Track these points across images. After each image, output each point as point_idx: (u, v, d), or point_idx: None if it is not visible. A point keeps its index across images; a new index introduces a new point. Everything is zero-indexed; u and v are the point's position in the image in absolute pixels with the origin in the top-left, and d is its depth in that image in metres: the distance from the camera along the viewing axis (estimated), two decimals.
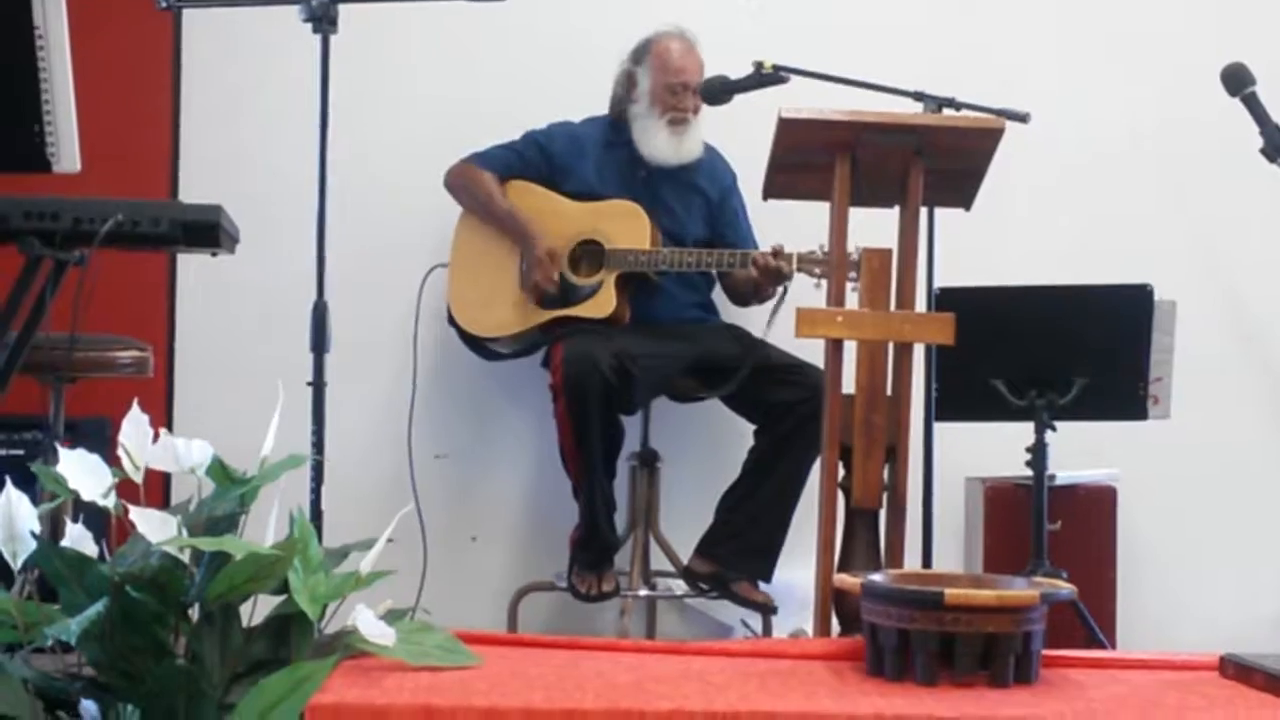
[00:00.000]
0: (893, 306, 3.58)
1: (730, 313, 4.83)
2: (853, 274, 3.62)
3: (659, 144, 4.65)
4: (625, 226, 4.58)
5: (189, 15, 4.89)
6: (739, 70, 4.19)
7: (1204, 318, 4.93)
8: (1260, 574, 5.07)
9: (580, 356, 4.33)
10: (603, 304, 4.54)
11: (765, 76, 4.14)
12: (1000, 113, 3.87)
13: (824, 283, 3.83)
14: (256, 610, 2.69)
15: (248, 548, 2.56)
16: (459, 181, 4.73)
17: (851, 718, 2.49)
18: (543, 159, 4.73)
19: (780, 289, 4.40)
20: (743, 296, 4.73)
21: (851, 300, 3.60)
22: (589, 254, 4.60)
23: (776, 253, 4.36)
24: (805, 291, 4.13)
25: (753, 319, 4.62)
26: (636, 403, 4.54)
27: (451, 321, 4.71)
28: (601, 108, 4.78)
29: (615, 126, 4.75)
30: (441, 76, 5.03)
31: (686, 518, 4.69)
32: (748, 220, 4.79)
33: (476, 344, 4.71)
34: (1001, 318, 4.13)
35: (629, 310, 4.58)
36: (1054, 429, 4.12)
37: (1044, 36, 5.20)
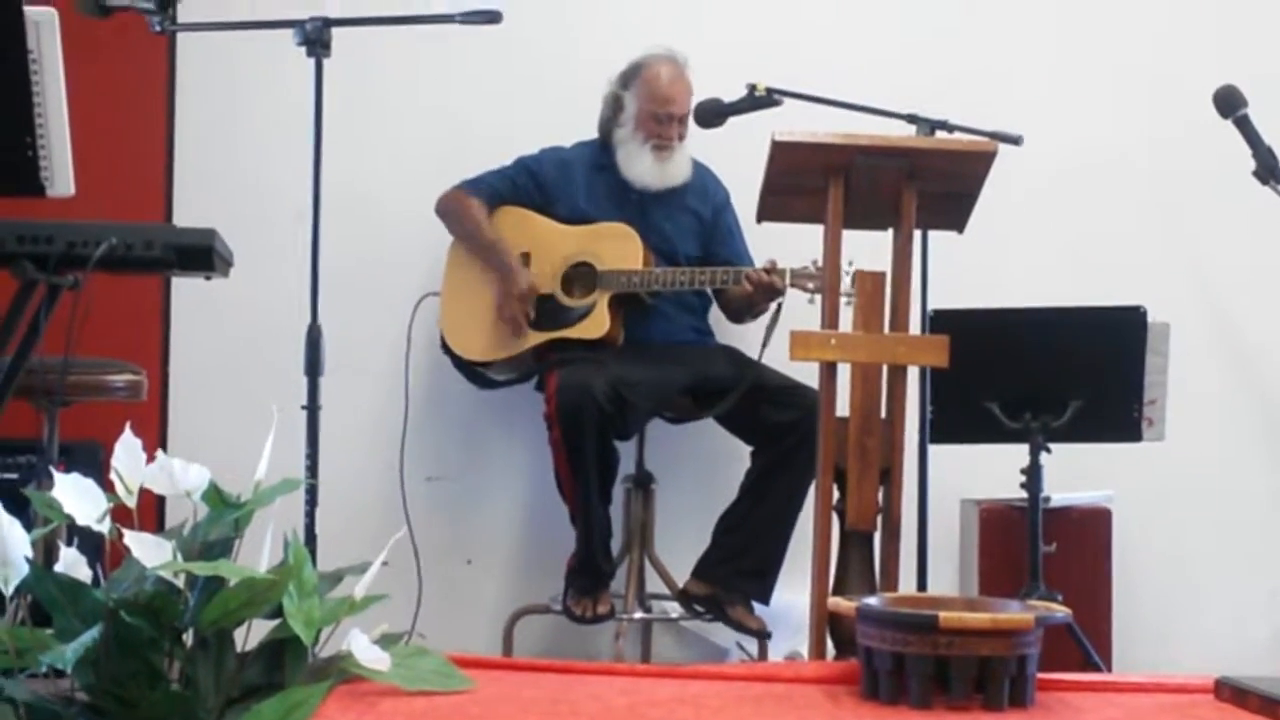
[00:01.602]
0: (887, 329, 3.58)
1: (726, 334, 4.83)
2: (847, 278, 3.64)
3: (642, 170, 4.65)
4: (617, 248, 4.58)
5: (183, 39, 4.89)
6: (733, 93, 4.20)
7: (1198, 339, 4.93)
8: (1255, 596, 5.07)
9: (573, 385, 4.33)
10: (596, 325, 4.54)
11: (759, 99, 4.15)
12: (993, 135, 3.88)
13: (818, 298, 3.83)
14: (251, 635, 2.68)
15: (242, 572, 2.55)
16: (449, 209, 4.73)
17: None
18: (534, 185, 4.73)
19: (775, 305, 4.41)
20: (737, 313, 4.74)
21: (846, 321, 3.60)
22: (581, 276, 4.60)
23: (770, 269, 4.37)
24: (800, 308, 4.13)
25: (749, 340, 4.62)
26: (632, 429, 4.54)
27: (445, 349, 4.71)
28: (595, 130, 4.79)
29: (604, 148, 4.75)
30: (435, 100, 5.03)
31: (682, 540, 4.69)
32: (742, 237, 4.78)
33: (470, 371, 4.70)
34: (996, 340, 4.13)
35: (622, 331, 4.58)
36: (1049, 451, 4.11)
37: (1037, 59, 5.21)
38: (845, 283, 3.67)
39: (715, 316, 4.85)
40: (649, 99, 4.63)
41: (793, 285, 4.35)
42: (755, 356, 4.46)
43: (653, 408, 4.54)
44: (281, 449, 2.85)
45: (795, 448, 4.31)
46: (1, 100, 2.92)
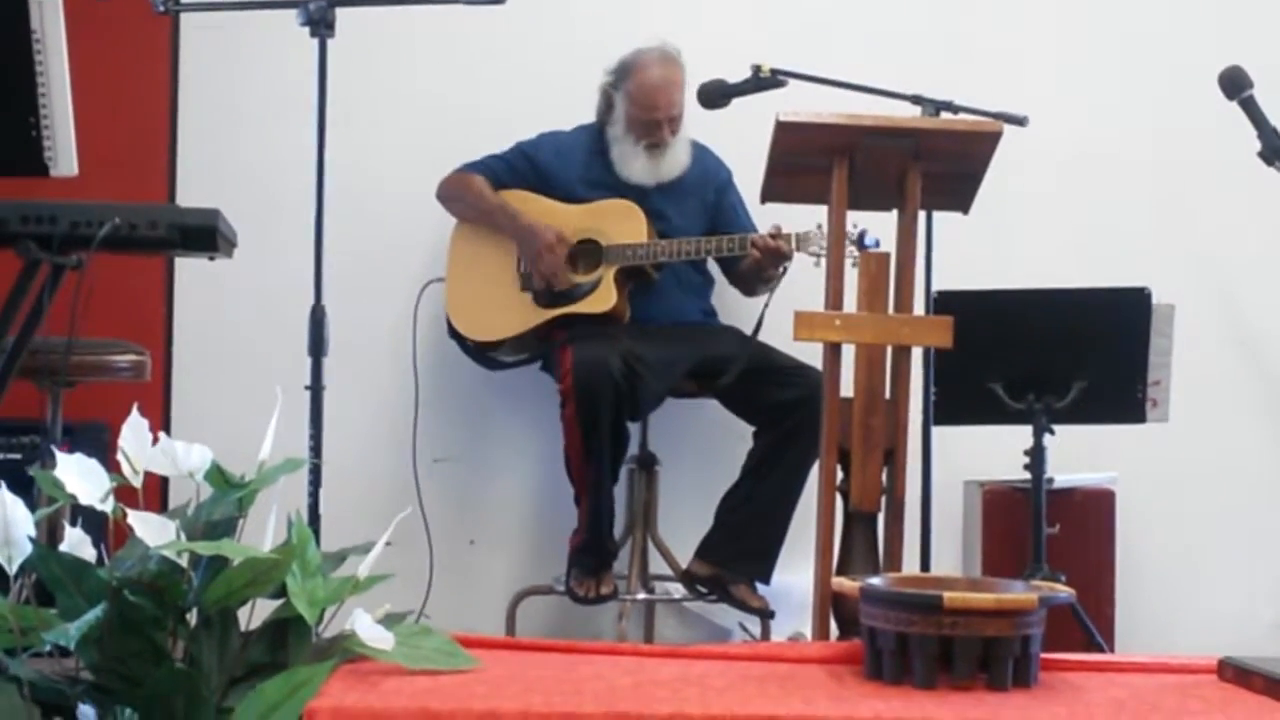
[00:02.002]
0: (891, 310, 3.58)
1: (730, 316, 4.83)
2: (852, 244, 3.65)
3: (637, 169, 4.65)
4: (621, 223, 4.58)
5: (187, 19, 4.88)
6: (736, 74, 4.19)
7: (1202, 321, 4.93)
8: (1259, 577, 5.08)
9: (590, 360, 4.32)
10: (603, 299, 4.54)
11: (763, 80, 4.14)
12: (998, 116, 3.87)
13: (823, 260, 3.81)
14: (255, 614, 2.69)
15: (246, 552, 2.55)
16: (450, 190, 4.73)
17: None
18: (531, 170, 4.72)
19: (781, 270, 4.40)
20: (748, 283, 4.72)
21: (850, 300, 3.60)
22: (586, 253, 4.60)
23: (775, 234, 4.37)
24: (805, 289, 4.13)
25: (754, 320, 4.63)
26: (644, 408, 4.53)
27: (452, 333, 4.70)
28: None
29: (604, 134, 4.75)
30: (440, 80, 5.03)
31: (685, 521, 4.69)
32: (748, 213, 4.77)
33: (478, 353, 4.70)
34: (1000, 321, 4.13)
35: (629, 307, 4.58)
36: (1052, 432, 4.11)
37: (1042, 39, 5.20)
38: (852, 233, 3.67)
39: (718, 298, 4.84)
40: (636, 104, 4.61)
41: (799, 249, 4.34)
42: (755, 329, 4.44)
43: (663, 387, 4.53)
44: (286, 429, 2.85)
45: (798, 428, 4.31)
46: (5, 80, 2.91)
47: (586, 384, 4.31)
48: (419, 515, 4.42)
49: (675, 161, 4.67)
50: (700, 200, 4.76)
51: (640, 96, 4.60)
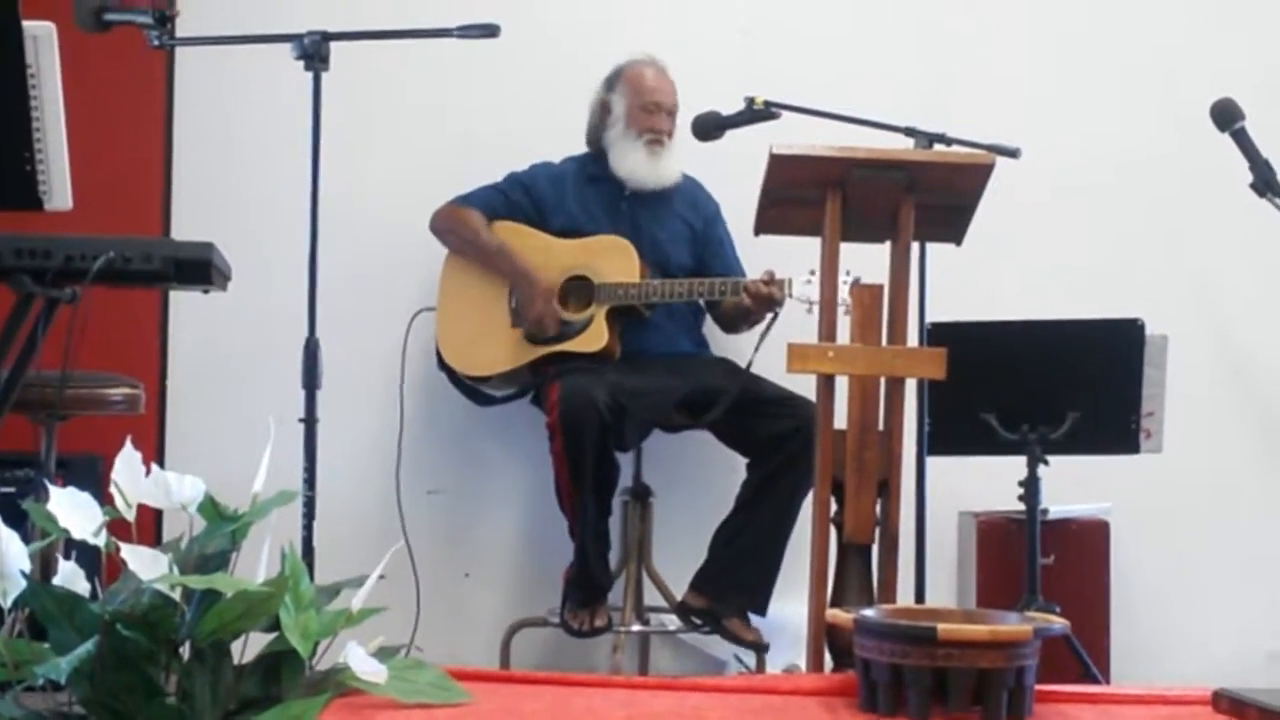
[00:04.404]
0: (884, 341, 3.58)
1: (721, 346, 4.83)
2: (845, 287, 3.65)
3: (636, 166, 4.66)
4: (614, 261, 4.58)
5: (181, 53, 4.90)
6: (730, 105, 4.20)
7: (1195, 351, 4.93)
8: (1253, 608, 5.07)
9: (576, 394, 4.32)
10: (594, 338, 4.54)
11: (757, 112, 4.15)
12: (991, 148, 3.89)
13: (816, 308, 3.82)
14: (248, 648, 2.68)
15: (238, 585, 2.55)
16: (445, 224, 4.73)
17: None
18: (527, 199, 4.73)
19: (771, 315, 4.41)
20: (732, 322, 4.72)
21: (843, 332, 3.60)
22: (578, 290, 4.60)
23: (768, 280, 4.37)
24: (796, 319, 4.13)
25: (745, 351, 4.62)
26: (631, 440, 4.53)
27: (441, 365, 4.70)
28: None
29: (595, 159, 4.76)
30: (432, 112, 5.04)
31: (679, 553, 4.68)
32: (734, 249, 4.79)
33: (467, 387, 4.70)
34: (993, 352, 4.13)
35: (619, 345, 4.58)
36: (1046, 463, 4.12)
37: (1034, 72, 5.22)
38: (843, 291, 3.67)
39: (709, 329, 4.84)
40: (636, 93, 4.66)
41: (791, 296, 4.34)
42: (748, 366, 4.44)
43: (651, 418, 4.53)
44: (279, 462, 2.84)
45: (791, 459, 4.31)
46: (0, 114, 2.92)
47: (572, 418, 4.31)
48: (407, 548, 4.41)
49: (670, 168, 4.69)
50: (689, 226, 4.77)
51: (639, 85, 4.67)
